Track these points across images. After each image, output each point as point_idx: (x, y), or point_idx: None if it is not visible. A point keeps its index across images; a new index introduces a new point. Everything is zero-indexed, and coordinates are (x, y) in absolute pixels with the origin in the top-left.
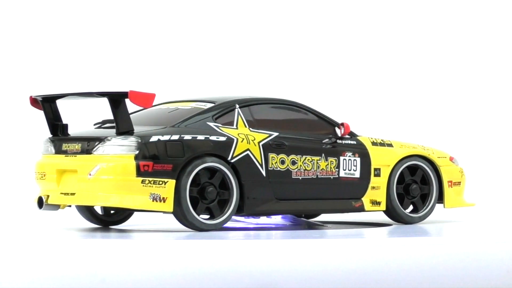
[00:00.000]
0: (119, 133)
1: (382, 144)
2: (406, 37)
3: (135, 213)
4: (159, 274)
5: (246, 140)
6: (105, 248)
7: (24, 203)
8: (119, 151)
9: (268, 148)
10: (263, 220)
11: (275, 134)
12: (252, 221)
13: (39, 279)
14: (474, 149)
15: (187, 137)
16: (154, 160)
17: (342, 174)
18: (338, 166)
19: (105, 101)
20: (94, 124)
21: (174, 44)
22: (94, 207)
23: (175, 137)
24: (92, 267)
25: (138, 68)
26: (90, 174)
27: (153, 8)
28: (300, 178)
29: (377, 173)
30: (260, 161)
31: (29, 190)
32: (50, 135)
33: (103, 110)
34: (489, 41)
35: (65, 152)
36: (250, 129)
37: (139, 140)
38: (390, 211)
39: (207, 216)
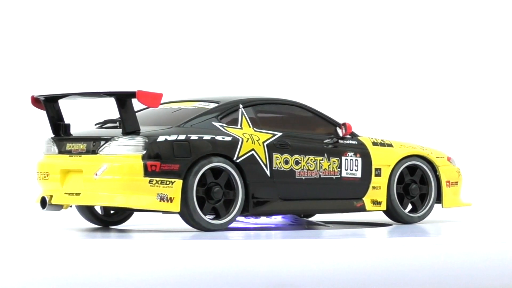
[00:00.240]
0: (126, 133)
1: (382, 144)
2: (403, 38)
3: (135, 213)
4: (159, 274)
5: (251, 140)
6: (105, 248)
7: (23, 203)
8: (126, 151)
9: (272, 148)
10: (263, 220)
11: (279, 134)
12: (252, 221)
13: (39, 279)
14: (468, 149)
15: (194, 137)
16: (161, 160)
17: (344, 174)
18: (340, 166)
19: (104, 101)
20: (96, 124)
21: (174, 44)
22: (95, 207)
23: (182, 137)
24: (92, 267)
25: (137, 68)
26: (96, 174)
27: (154, 8)
28: (304, 178)
29: (378, 173)
30: (264, 161)
31: (29, 190)
32: (52, 135)
33: (101, 110)
34: (483, 42)
35: (69, 152)
36: (254, 129)
37: (146, 140)
38: (390, 211)
39: (212, 216)
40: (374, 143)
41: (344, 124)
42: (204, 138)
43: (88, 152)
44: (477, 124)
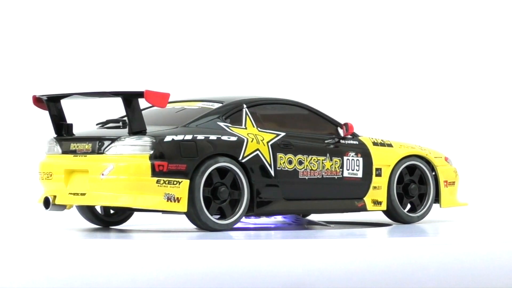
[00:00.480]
0: (132, 133)
1: (382, 144)
2: (400, 38)
3: (135, 213)
4: (159, 274)
5: (256, 140)
6: (106, 248)
7: (23, 203)
8: (133, 151)
9: (276, 148)
10: (263, 220)
11: (282, 134)
12: (252, 221)
13: (39, 279)
14: (462, 149)
15: (200, 137)
16: (168, 160)
17: (345, 174)
18: (342, 166)
19: (104, 101)
20: (97, 124)
21: (174, 44)
22: (96, 207)
23: (188, 137)
24: (92, 267)
25: (137, 67)
26: (102, 174)
27: (156, 7)
28: (307, 178)
29: (379, 173)
30: (269, 161)
31: (29, 190)
32: (55, 135)
33: (99, 110)
34: (477, 43)
35: (73, 152)
36: (258, 129)
37: (154, 140)
38: (390, 211)
39: (217, 216)
40: (375, 143)
41: (346, 124)
42: (210, 138)
43: (93, 152)
44: (471, 124)
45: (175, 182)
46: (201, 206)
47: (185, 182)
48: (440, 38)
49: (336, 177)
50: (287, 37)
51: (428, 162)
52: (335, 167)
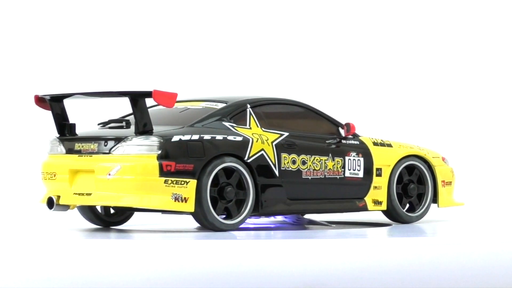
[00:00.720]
0: (139, 132)
1: (382, 144)
2: (397, 39)
3: (135, 213)
4: (159, 274)
5: (261, 140)
6: (106, 248)
7: (22, 203)
8: (141, 151)
9: (280, 148)
10: (263, 220)
11: (286, 134)
12: (251, 221)
13: (40, 279)
14: (456, 149)
15: (207, 137)
16: (176, 160)
17: (347, 174)
18: (343, 166)
19: (103, 101)
20: (99, 124)
21: (174, 44)
22: (97, 207)
23: (195, 136)
24: (93, 267)
25: (135, 67)
26: (109, 174)
27: (155, 8)
28: (310, 178)
29: (379, 173)
30: (273, 161)
31: (28, 190)
32: (57, 135)
33: (96, 110)
34: (474, 44)
35: (78, 152)
36: (263, 129)
37: (161, 140)
38: (390, 211)
39: (223, 216)
40: (375, 143)
41: (347, 124)
42: (216, 138)
43: (99, 152)
44: (464, 124)
45: (182, 182)
46: (208, 206)
47: (193, 182)
48: (434, 39)
49: (338, 177)
50: (288, 37)
51: (426, 162)
52: (337, 167)
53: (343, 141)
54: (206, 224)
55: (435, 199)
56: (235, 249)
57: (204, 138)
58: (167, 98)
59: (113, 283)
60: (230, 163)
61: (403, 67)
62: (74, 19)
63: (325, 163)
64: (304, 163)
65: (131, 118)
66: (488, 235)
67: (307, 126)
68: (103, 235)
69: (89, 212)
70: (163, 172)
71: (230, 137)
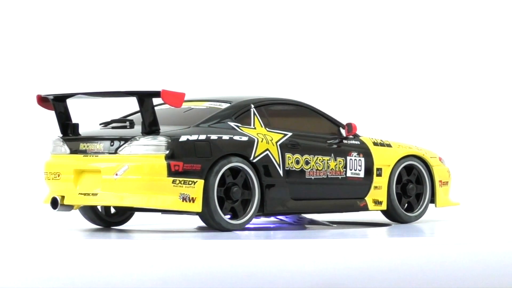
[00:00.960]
0: (146, 132)
1: (382, 144)
2: (392, 40)
3: (136, 213)
4: (160, 274)
5: (265, 140)
6: (106, 248)
7: (22, 203)
8: (148, 151)
9: (284, 148)
10: (263, 220)
11: (289, 134)
12: (252, 221)
13: (40, 279)
14: (450, 148)
15: (214, 137)
16: (184, 160)
17: (349, 174)
18: (345, 166)
19: (102, 101)
20: (100, 124)
21: (173, 44)
22: (98, 207)
23: (203, 136)
24: (93, 267)
25: (134, 67)
26: (116, 174)
27: (156, 8)
28: (313, 178)
29: (379, 173)
30: (278, 161)
31: (27, 190)
32: (60, 135)
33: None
34: (469, 45)
35: (83, 152)
36: (267, 129)
37: (169, 140)
38: (389, 211)
39: (228, 216)
40: (375, 143)
41: (349, 124)
42: (223, 138)
43: (105, 152)
44: (458, 124)
45: (190, 182)
46: (215, 206)
47: (200, 182)
48: (428, 39)
49: (340, 177)
50: (288, 38)
51: (424, 162)
52: (339, 167)
53: (344, 141)
54: (212, 224)
55: (432, 199)
56: (235, 249)
57: (211, 138)
58: (175, 98)
59: (113, 283)
60: (236, 163)
61: (397, 67)
62: (75, 19)
63: (327, 163)
64: (307, 163)
65: (135, 118)
66: (486, 235)
67: (309, 126)
68: (104, 235)
69: (90, 212)
70: (171, 172)
71: (236, 137)
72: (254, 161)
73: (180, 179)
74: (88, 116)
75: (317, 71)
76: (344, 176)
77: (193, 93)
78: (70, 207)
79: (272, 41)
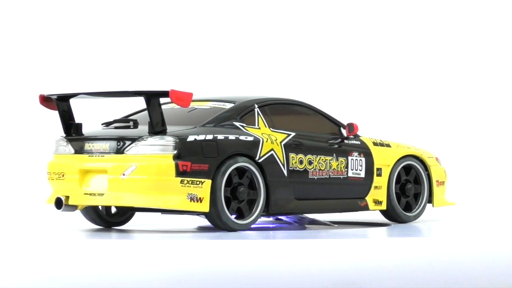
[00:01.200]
0: (153, 132)
1: (381, 144)
2: (387, 41)
3: (136, 213)
4: (160, 274)
5: (270, 140)
6: (107, 248)
7: (21, 203)
8: (155, 151)
9: (288, 147)
10: (263, 220)
11: (293, 134)
12: None
13: (40, 279)
14: (443, 148)
15: (220, 137)
16: (192, 160)
17: (350, 174)
18: (347, 166)
19: (102, 101)
20: (102, 124)
21: (173, 44)
22: (99, 207)
23: (210, 136)
24: (93, 267)
25: (134, 67)
26: (123, 174)
27: (155, 8)
28: (316, 178)
29: (379, 173)
30: (282, 161)
31: (26, 190)
32: (64, 135)
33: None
34: (465, 45)
35: (89, 152)
36: (271, 129)
37: (177, 140)
38: (389, 210)
39: (233, 216)
40: (375, 143)
41: (350, 124)
42: (229, 138)
43: (111, 152)
44: (452, 124)
45: (198, 182)
46: (223, 206)
47: (208, 182)
48: (424, 40)
49: (341, 177)
50: (289, 38)
51: (422, 162)
52: (340, 167)
53: (345, 141)
54: (219, 224)
55: (429, 199)
56: (235, 249)
57: (218, 138)
58: (183, 98)
59: (114, 283)
60: (242, 163)
61: (390, 66)
62: (77, 19)
63: (329, 163)
64: (310, 163)
65: (139, 118)
66: (484, 234)
67: (311, 126)
68: (104, 235)
69: (92, 212)
70: (179, 172)
71: (242, 137)
72: (260, 161)
73: (188, 179)
74: (87, 116)
75: (316, 71)
76: (346, 176)
77: (195, 93)
78: (74, 207)
79: (273, 41)
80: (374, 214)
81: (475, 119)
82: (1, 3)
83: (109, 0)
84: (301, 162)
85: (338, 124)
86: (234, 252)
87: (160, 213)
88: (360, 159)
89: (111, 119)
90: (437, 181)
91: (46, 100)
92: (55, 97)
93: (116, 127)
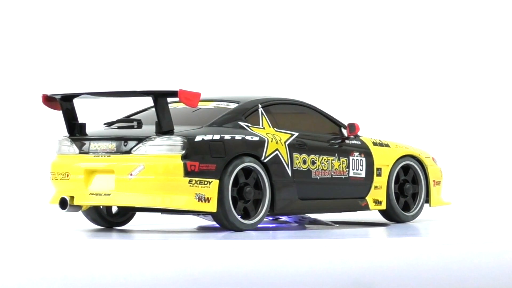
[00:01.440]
0: (161, 132)
1: (381, 144)
2: (383, 42)
3: (137, 214)
4: (160, 274)
5: (275, 140)
6: (107, 248)
7: (21, 203)
8: (163, 151)
9: (292, 147)
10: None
11: (296, 133)
12: None
13: (40, 279)
14: (437, 148)
15: (227, 137)
16: (199, 160)
17: (351, 173)
18: (348, 166)
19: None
20: (104, 124)
21: (173, 44)
22: (101, 207)
23: (217, 136)
24: (93, 267)
25: (133, 66)
26: (131, 174)
27: (156, 8)
28: (318, 178)
29: (379, 172)
30: (287, 161)
31: (27, 190)
32: (67, 135)
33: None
34: (461, 46)
35: (94, 152)
36: (275, 129)
37: (185, 140)
38: (388, 210)
39: (239, 216)
40: (374, 143)
41: (352, 124)
42: (236, 138)
43: (118, 152)
44: (445, 123)
45: (205, 182)
46: (230, 206)
47: (215, 182)
48: (420, 42)
49: (343, 177)
50: (289, 38)
51: (419, 162)
52: (342, 167)
53: (346, 141)
54: (226, 224)
55: (426, 199)
56: (236, 249)
57: (225, 138)
58: (192, 98)
59: (114, 283)
60: (249, 163)
61: (385, 66)
62: (80, 19)
63: (332, 163)
64: (313, 163)
65: (143, 118)
66: (482, 234)
67: (313, 126)
68: (105, 235)
69: (93, 213)
70: (187, 172)
71: (248, 137)
72: (265, 161)
73: (196, 179)
74: (87, 116)
75: (315, 72)
76: (347, 176)
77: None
78: (78, 208)
79: (274, 41)
80: (372, 214)
81: (468, 119)
82: (4, 3)
83: (112, 1)
84: (304, 162)
85: (338, 124)
86: (234, 252)
87: (160, 213)
88: (361, 159)
89: (112, 119)
90: (434, 181)
91: (49, 100)
92: (59, 97)
93: (119, 127)
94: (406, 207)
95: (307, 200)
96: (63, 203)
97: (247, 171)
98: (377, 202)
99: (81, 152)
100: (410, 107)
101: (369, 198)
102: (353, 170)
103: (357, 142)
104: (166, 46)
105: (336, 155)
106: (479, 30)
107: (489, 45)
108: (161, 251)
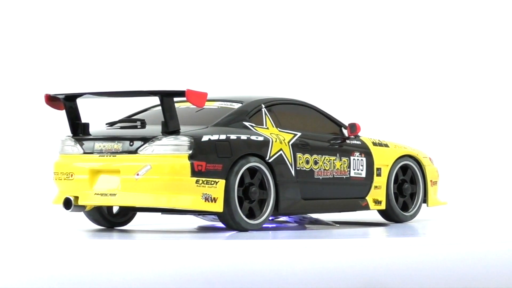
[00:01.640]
0: (167, 132)
1: (380, 144)
2: (380, 42)
3: (138, 214)
4: (160, 274)
5: (279, 140)
6: (107, 248)
7: (21, 203)
8: (170, 151)
9: (295, 147)
10: None
11: (299, 133)
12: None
13: (40, 279)
14: (434, 148)
15: (233, 136)
16: (206, 160)
17: (352, 173)
18: (349, 166)
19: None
20: (107, 124)
21: (173, 44)
22: (103, 208)
23: (223, 136)
24: (93, 267)
25: (132, 66)
26: (137, 174)
27: (156, 8)
28: (321, 178)
29: (379, 172)
30: (290, 161)
31: (26, 190)
32: (71, 134)
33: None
34: (458, 47)
35: (99, 152)
36: (278, 129)
37: (192, 140)
38: (387, 210)
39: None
40: (374, 143)
41: (353, 124)
42: (241, 138)
43: (124, 152)
44: (441, 123)
45: (212, 182)
46: (236, 206)
47: (222, 182)
48: (421, 42)
49: (344, 177)
50: (290, 38)
51: (417, 162)
52: (343, 167)
53: (347, 141)
54: (232, 224)
55: (424, 199)
56: (236, 249)
57: (231, 138)
58: (199, 98)
59: (114, 283)
60: (254, 163)
61: (382, 67)
62: (83, 19)
63: (333, 163)
64: (316, 163)
65: (145, 117)
66: (480, 234)
67: (314, 126)
68: (105, 235)
69: (95, 213)
70: (194, 172)
71: (253, 137)
72: (270, 161)
73: (203, 179)
74: (86, 116)
75: (315, 72)
76: (348, 176)
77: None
78: (82, 208)
79: (275, 41)
80: (370, 214)
81: (464, 119)
82: (7, 3)
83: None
84: (307, 162)
85: (339, 124)
86: (234, 252)
87: (160, 213)
88: (361, 159)
89: (113, 119)
90: (431, 181)
91: (52, 100)
92: (62, 96)
93: (122, 127)
94: (405, 207)
95: (309, 200)
96: (67, 203)
97: (252, 171)
98: (377, 202)
99: (85, 152)
100: (406, 107)
101: (369, 198)
102: (354, 170)
103: (358, 142)
104: (167, 46)
105: (338, 155)
106: (478, 30)
107: (486, 45)
108: (162, 251)
